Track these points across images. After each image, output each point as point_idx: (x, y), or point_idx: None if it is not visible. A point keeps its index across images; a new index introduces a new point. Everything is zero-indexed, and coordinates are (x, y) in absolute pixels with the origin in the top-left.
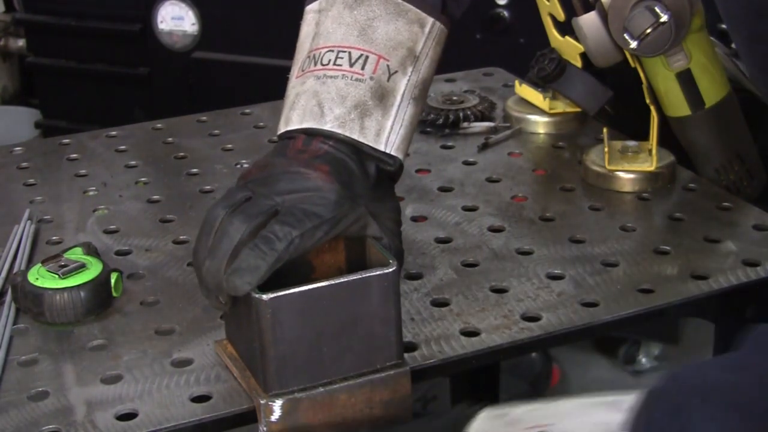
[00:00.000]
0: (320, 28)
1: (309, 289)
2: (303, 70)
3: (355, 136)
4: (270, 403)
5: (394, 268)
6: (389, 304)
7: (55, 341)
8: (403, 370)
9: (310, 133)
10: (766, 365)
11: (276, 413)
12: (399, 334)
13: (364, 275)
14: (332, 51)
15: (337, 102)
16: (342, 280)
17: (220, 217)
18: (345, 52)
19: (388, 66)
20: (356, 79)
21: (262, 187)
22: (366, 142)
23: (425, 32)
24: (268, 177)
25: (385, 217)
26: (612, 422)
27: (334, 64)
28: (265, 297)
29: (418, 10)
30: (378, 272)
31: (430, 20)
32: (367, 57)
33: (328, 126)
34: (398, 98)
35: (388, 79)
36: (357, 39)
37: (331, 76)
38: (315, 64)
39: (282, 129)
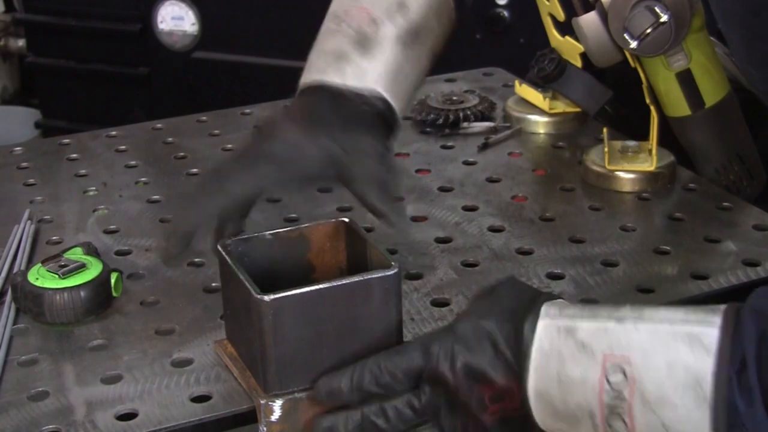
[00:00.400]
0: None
1: (310, 291)
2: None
3: (336, 79)
4: (270, 403)
5: (395, 270)
6: (390, 305)
7: (55, 341)
8: None
9: (301, 92)
10: None
11: (276, 413)
12: (400, 335)
13: (365, 277)
14: (327, 17)
15: (319, 57)
16: (343, 282)
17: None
18: (335, 16)
19: (371, 16)
20: (334, 31)
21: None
22: (344, 82)
23: None
24: (256, 140)
25: (362, 149)
26: (700, 370)
27: (326, 28)
28: (266, 298)
29: None
30: (379, 274)
31: None
32: (349, 11)
33: (312, 77)
34: (381, 42)
35: (374, 30)
36: (347, 3)
37: (322, 39)
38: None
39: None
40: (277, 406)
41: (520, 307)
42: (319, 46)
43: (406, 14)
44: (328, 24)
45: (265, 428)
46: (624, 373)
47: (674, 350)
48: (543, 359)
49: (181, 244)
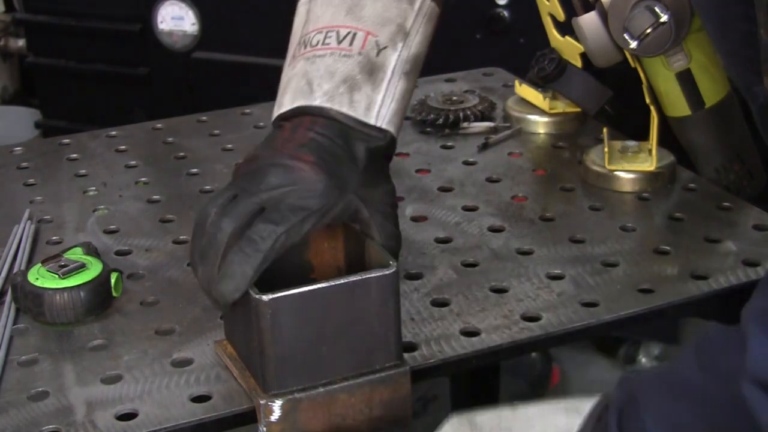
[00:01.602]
0: (310, 15)
1: (309, 290)
2: (294, 57)
3: (345, 110)
4: (270, 403)
5: (393, 270)
6: (389, 304)
7: (55, 341)
8: (403, 369)
9: (301, 112)
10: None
11: (276, 413)
12: (398, 334)
13: (363, 276)
14: (321, 32)
15: (326, 78)
16: (342, 281)
17: (210, 217)
18: (333, 31)
19: (377, 41)
20: (344, 55)
21: (248, 182)
22: (355, 116)
23: (414, 9)
24: (255, 171)
25: (378, 201)
26: (571, 427)
27: (323, 44)
28: (264, 298)
29: None
30: (377, 273)
31: None
32: (355, 33)
33: (317, 102)
34: (388, 73)
35: (378, 54)
36: (345, 18)
37: (320, 56)
38: (305, 48)
39: (275, 114)
40: (277, 406)
41: None
42: (321, 64)
43: (407, 42)
44: (325, 36)
45: (264, 428)
46: None
47: (552, 417)
48: None
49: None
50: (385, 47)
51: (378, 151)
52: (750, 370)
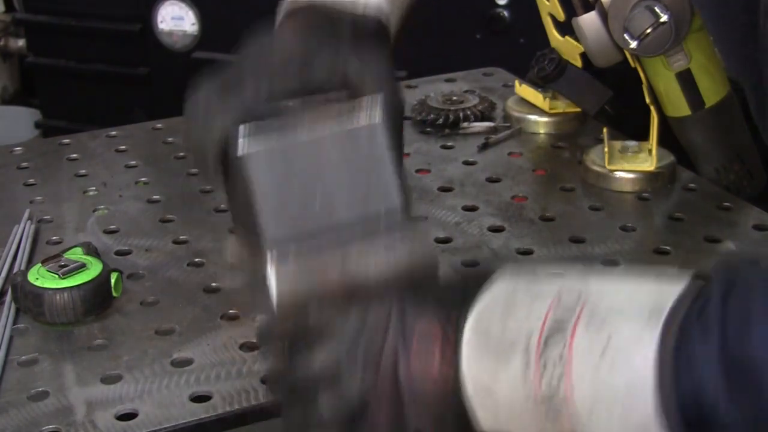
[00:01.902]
0: None
1: (289, 145)
2: None
3: None
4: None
5: (378, 120)
6: (382, 162)
7: (55, 341)
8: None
9: (292, 7)
10: None
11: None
12: (400, 196)
13: (349, 128)
14: None
15: None
16: (324, 134)
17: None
18: None
19: None
20: None
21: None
22: (342, 6)
23: None
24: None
25: (369, 64)
26: (663, 296)
27: None
28: (241, 153)
29: None
30: (364, 124)
31: None
32: None
33: None
34: None
35: None
36: None
37: None
38: None
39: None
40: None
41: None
42: None
43: None
44: None
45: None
46: (578, 295)
47: (637, 289)
48: (491, 301)
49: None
50: None
51: (364, 26)
52: None
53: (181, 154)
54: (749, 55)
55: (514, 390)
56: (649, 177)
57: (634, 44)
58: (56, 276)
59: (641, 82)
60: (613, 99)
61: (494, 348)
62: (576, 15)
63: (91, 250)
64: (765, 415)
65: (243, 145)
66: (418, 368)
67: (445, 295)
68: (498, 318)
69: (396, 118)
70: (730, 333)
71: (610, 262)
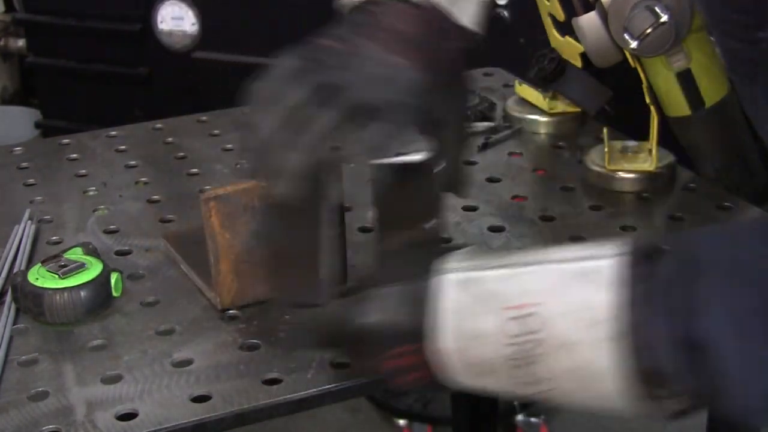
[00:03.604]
0: None
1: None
2: None
3: (444, 3)
4: None
5: None
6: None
7: (55, 341)
8: None
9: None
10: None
11: None
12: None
13: None
14: None
15: None
16: None
17: (302, 100)
18: None
19: None
20: None
21: (346, 71)
22: (451, 10)
23: None
24: (347, 60)
25: (455, 102)
26: (595, 302)
27: None
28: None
29: None
30: None
31: None
32: None
33: None
34: None
35: None
36: None
37: None
38: None
39: None
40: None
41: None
42: None
43: None
44: None
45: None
46: (527, 321)
47: (570, 290)
48: (451, 316)
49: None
50: None
51: (465, 52)
52: None
53: (182, 154)
54: (748, 9)
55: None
56: (649, 177)
57: (634, 44)
58: (56, 276)
59: (641, 82)
60: (613, 99)
61: (476, 370)
62: (576, 15)
63: (91, 250)
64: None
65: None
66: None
67: (399, 318)
68: (463, 341)
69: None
70: (680, 313)
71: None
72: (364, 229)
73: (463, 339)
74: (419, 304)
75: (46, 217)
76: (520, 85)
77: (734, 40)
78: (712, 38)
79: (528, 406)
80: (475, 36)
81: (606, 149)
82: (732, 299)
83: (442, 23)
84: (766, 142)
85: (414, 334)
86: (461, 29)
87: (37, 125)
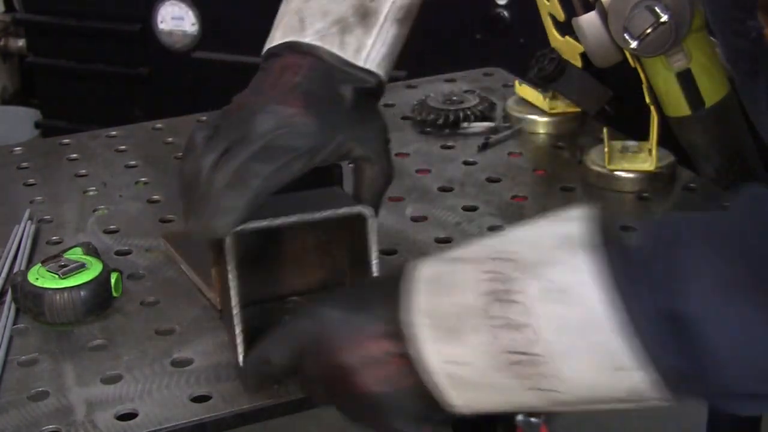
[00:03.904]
0: None
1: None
2: None
3: (335, 50)
4: None
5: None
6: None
7: (55, 341)
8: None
9: (290, 48)
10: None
11: None
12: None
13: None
14: None
15: (319, 17)
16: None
17: (203, 171)
18: None
19: None
20: None
21: (239, 132)
22: (344, 57)
23: None
24: (245, 120)
25: (370, 137)
26: (568, 231)
27: None
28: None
29: None
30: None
31: None
32: None
33: (308, 39)
34: (381, 18)
35: (374, 3)
36: None
37: None
38: None
39: (266, 48)
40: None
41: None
42: (315, 3)
43: None
44: None
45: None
46: (503, 259)
47: (543, 229)
48: (425, 284)
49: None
50: None
51: (366, 92)
52: None
53: (181, 154)
54: (742, 42)
55: (481, 360)
56: (649, 177)
57: (634, 44)
58: (56, 276)
59: (641, 82)
60: (613, 99)
61: (446, 327)
62: (576, 15)
63: (91, 250)
64: (702, 368)
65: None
66: (378, 376)
67: (373, 294)
68: (437, 297)
69: (384, 187)
70: (663, 287)
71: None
72: None
73: (437, 295)
74: (391, 286)
75: (46, 217)
76: (520, 85)
77: (736, 37)
78: (712, 38)
79: None
80: (374, 77)
81: (606, 149)
82: (716, 269)
83: (329, 68)
84: (766, 140)
85: (387, 313)
86: (348, 71)
87: (37, 125)
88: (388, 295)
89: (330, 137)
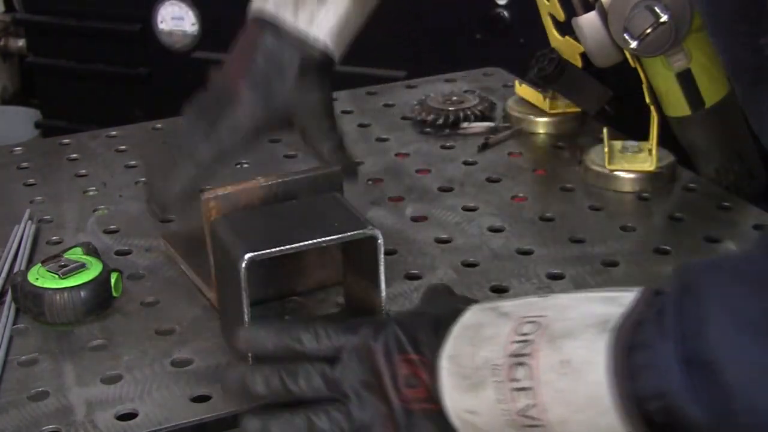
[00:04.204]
0: None
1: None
2: None
3: (288, 17)
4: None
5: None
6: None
7: (55, 341)
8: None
9: (258, 13)
10: None
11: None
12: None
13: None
14: None
15: None
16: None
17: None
18: None
19: None
20: None
21: (205, 117)
22: (295, 24)
23: None
24: (210, 104)
25: (311, 107)
26: (610, 314)
27: None
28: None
29: None
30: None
31: None
32: None
33: (269, 5)
34: None
35: None
36: None
37: None
38: None
39: (250, 7)
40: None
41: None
42: None
43: None
44: None
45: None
46: (536, 324)
47: (589, 306)
48: (462, 329)
49: (162, 213)
50: None
51: (311, 61)
52: None
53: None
54: (745, 53)
55: (493, 418)
56: (649, 177)
57: (634, 44)
58: (56, 276)
59: (641, 82)
60: (613, 99)
61: (467, 376)
62: (576, 15)
63: (91, 250)
64: (728, 414)
65: None
66: (409, 393)
67: (419, 325)
68: (468, 346)
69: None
70: (687, 334)
71: (610, 262)
72: None
73: (467, 344)
74: (440, 324)
75: (46, 217)
76: (520, 85)
77: (738, 48)
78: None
79: None
80: (322, 44)
81: (606, 149)
82: (735, 308)
83: (281, 40)
84: None
85: (427, 343)
86: (299, 39)
87: (37, 125)
88: (435, 328)
89: (265, 109)
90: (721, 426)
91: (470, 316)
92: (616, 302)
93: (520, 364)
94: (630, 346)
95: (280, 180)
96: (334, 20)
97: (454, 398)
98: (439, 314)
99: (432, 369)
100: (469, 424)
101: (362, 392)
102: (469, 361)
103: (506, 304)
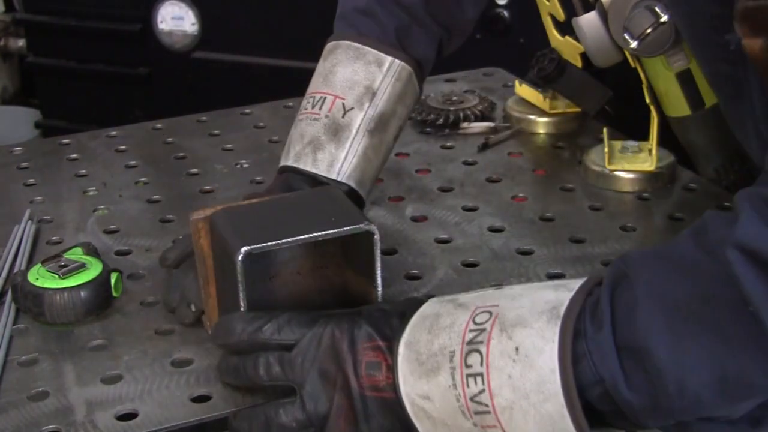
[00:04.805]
0: (311, 81)
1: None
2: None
3: (308, 168)
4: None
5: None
6: None
7: (55, 341)
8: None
9: (283, 170)
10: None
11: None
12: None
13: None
14: (306, 98)
15: (298, 141)
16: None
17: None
18: (312, 97)
19: (343, 104)
20: (314, 119)
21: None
22: (317, 172)
23: (383, 70)
24: None
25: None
26: (560, 300)
27: (304, 108)
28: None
29: (377, 51)
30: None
31: (388, 59)
32: (325, 98)
33: (290, 162)
34: (353, 131)
35: (343, 116)
36: (321, 85)
37: (299, 120)
38: (298, 112)
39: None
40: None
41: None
42: (298, 128)
43: (374, 101)
44: (307, 101)
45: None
46: (490, 313)
47: (540, 293)
48: (420, 318)
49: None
50: (351, 108)
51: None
52: (735, 237)
53: (182, 154)
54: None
55: (445, 403)
56: (649, 177)
57: (634, 44)
58: (56, 276)
59: (641, 82)
60: (613, 99)
61: (422, 362)
62: (576, 15)
63: (91, 250)
64: (659, 397)
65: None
66: (368, 380)
67: (386, 316)
68: (426, 334)
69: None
70: (619, 321)
71: (610, 262)
72: None
73: (424, 332)
74: (404, 315)
75: (46, 217)
76: (520, 85)
77: (717, 62)
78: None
79: None
80: (345, 187)
81: (606, 149)
82: (661, 292)
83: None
84: (755, 160)
85: (392, 331)
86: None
87: (37, 125)
88: (400, 318)
89: None
90: (655, 409)
91: (429, 306)
92: (566, 287)
93: (475, 350)
94: (574, 334)
95: (269, 200)
96: (355, 162)
97: (408, 383)
98: (404, 306)
99: (393, 355)
100: (421, 411)
101: (317, 381)
102: (425, 348)
103: (464, 296)
